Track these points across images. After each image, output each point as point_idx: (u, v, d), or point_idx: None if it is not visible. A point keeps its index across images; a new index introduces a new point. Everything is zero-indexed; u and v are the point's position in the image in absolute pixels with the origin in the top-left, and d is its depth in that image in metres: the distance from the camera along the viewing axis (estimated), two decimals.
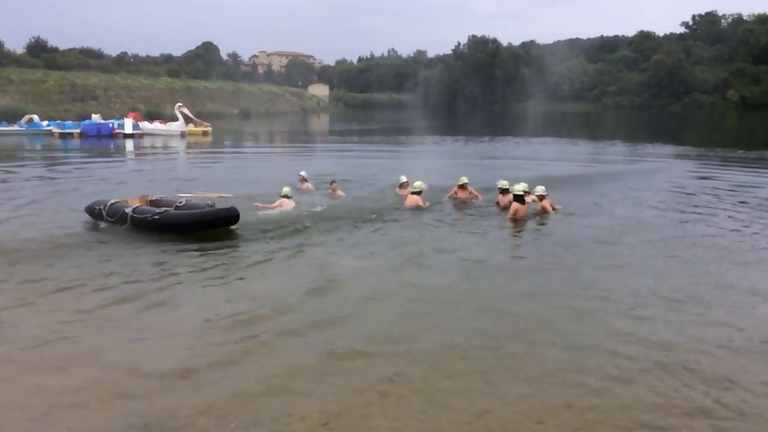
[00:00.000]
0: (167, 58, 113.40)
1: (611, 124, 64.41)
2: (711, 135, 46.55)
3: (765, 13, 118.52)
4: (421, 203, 13.03)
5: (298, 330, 6.46)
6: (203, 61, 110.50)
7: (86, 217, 11.80)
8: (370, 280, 8.30)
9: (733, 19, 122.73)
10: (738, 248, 10.01)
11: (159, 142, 34.31)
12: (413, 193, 13.15)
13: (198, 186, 16.17)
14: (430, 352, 5.94)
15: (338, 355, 5.87)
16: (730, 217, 12.62)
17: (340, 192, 14.68)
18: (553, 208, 12.66)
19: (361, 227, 11.52)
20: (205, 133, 40.13)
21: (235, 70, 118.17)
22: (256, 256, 9.47)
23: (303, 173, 15.79)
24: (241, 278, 8.45)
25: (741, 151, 29.01)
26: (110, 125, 38.24)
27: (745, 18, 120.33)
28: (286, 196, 12.95)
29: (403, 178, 14.51)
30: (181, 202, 11.53)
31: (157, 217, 10.63)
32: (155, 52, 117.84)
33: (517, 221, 11.86)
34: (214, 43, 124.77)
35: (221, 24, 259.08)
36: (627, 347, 6.04)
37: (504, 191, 13.15)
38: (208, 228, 10.78)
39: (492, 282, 8.32)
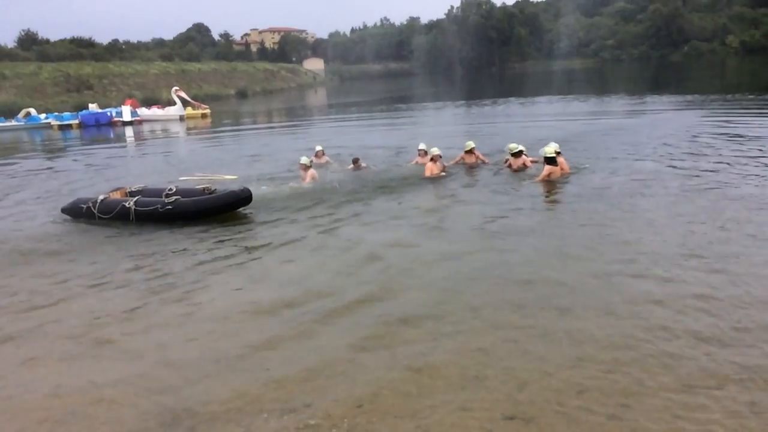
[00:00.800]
0: (159, 43, 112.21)
1: (612, 78, 63.57)
2: (713, 81, 45.97)
3: None
4: (438, 171, 12.88)
5: (327, 313, 6.32)
6: (195, 43, 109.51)
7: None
8: (399, 256, 8.12)
9: None
10: (759, 193, 9.82)
11: (159, 128, 34.06)
12: (432, 160, 12.97)
13: (202, 168, 16.00)
14: (461, 327, 5.80)
15: (368, 336, 5.74)
16: (744, 163, 12.39)
17: (363, 164, 14.47)
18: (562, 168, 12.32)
19: (386, 199, 11.40)
20: (204, 116, 39.80)
21: (228, 50, 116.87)
22: (282, 236, 9.34)
23: (319, 147, 15.43)
24: (268, 260, 8.33)
25: (746, 95, 28.65)
26: (108, 114, 37.92)
27: None
28: (307, 167, 12.95)
29: (422, 146, 14.26)
30: (171, 189, 11.01)
31: (170, 207, 10.34)
32: (147, 38, 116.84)
33: (550, 182, 11.62)
34: (205, 24, 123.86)
35: (211, 4, 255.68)
36: (661, 310, 5.88)
37: (516, 154, 12.93)
38: (224, 212, 10.63)
39: (520, 248, 8.14)
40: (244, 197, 10.72)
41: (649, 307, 5.93)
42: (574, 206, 10.01)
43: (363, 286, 7.04)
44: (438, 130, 23.45)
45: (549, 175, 11.68)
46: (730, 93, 30.94)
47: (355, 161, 14.48)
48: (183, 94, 40.00)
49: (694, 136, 16.68)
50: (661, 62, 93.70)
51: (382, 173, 13.91)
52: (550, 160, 11.71)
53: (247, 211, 10.88)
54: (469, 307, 6.24)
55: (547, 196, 11.04)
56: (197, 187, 11.28)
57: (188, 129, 32.75)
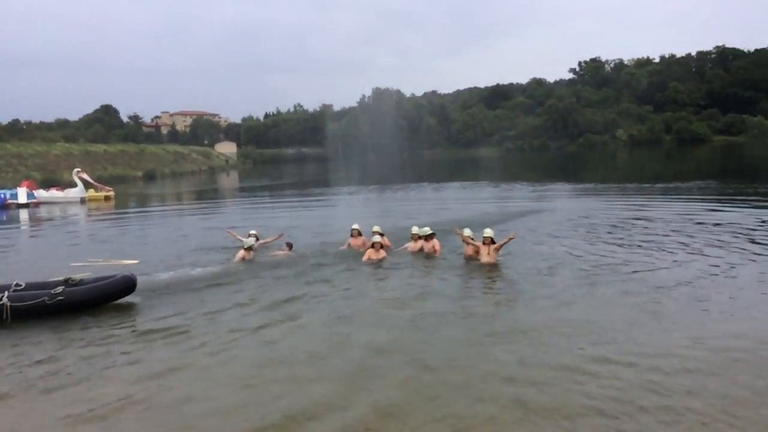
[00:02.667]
0: (63, 123, 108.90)
1: (515, 167, 66.88)
2: (606, 172, 49.22)
3: (643, 58, 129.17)
4: (377, 257, 12.79)
5: (219, 410, 5.83)
6: (103, 124, 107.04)
7: None
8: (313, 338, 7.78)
9: (615, 64, 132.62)
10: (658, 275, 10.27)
11: (57, 210, 32.26)
12: (372, 246, 13.03)
13: (100, 254, 15.08)
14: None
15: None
16: (638, 245, 13.07)
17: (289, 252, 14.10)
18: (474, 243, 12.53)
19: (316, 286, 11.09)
20: (107, 198, 38.23)
21: (136, 131, 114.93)
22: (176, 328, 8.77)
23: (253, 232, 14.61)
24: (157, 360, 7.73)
25: (637, 184, 30.82)
26: (2, 195, 35.72)
27: (626, 63, 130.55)
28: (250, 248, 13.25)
29: (356, 226, 14.07)
30: (20, 285, 9.60)
31: (61, 297, 9.33)
32: (50, 118, 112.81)
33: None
34: (114, 105, 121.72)
35: (120, 86, 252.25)
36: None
37: (418, 237, 13.26)
38: (109, 301, 9.87)
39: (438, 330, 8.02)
40: (127, 285, 9.95)
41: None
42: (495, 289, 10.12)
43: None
44: (355, 211, 23.55)
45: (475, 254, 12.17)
46: (622, 182, 33.28)
47: (290, 246, 14.13)
48: (85, 176, 38.42)
49: (587, 219, 17.62)
50: (558, 153, 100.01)
51: (315, 256, 13.62)
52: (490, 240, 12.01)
53: (135, 299, 10.21)
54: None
55: (460, 278, 11.13)
56: (53, 279, 10.11)
57: (89, 212, 31.26)
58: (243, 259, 13.15)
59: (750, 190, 25.97)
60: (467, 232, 12.54)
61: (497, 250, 11.85)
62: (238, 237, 14.51)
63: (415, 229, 13.56)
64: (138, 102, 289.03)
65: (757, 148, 74.72)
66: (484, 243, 11.90)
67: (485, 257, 11.81)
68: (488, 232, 12.00)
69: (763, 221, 16.35)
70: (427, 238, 13.06)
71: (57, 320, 9.18)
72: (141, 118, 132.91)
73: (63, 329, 8.82)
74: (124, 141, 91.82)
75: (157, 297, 10.48)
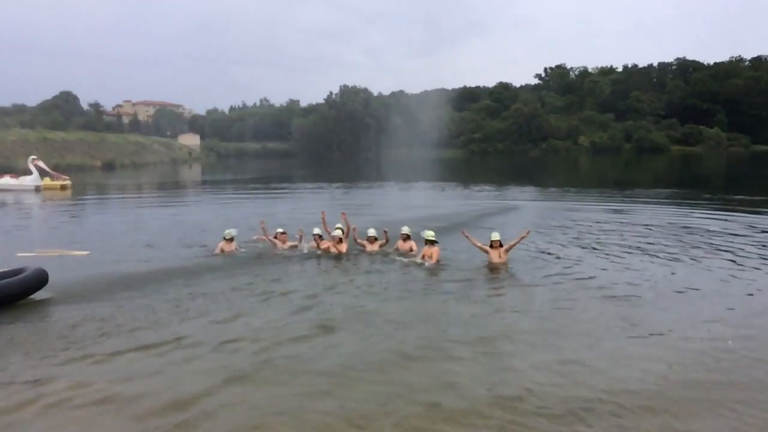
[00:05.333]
0: (20, 109, 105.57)
1: (480, 169, 67.54)
2: (568, 177, 50.01)
3: (606, 66, 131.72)
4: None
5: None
6: (61, 111, 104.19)
7: None
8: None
9: (579, 71, 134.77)
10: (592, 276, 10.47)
11: (10, 198, 31.31)
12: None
13: (50, 244, 14.65)
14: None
15: None
16: (594, 248, 13.29)
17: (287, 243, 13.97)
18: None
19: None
20: (63, 187, 37.25)
21: (97, 120, 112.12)
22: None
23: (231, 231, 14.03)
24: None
25: (598, 189, 31.44)
26: None
27: (590, 70, 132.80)
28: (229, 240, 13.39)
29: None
30: None
31: None
32: (5, 103, 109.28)
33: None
34: (74, 92, 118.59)
35: (80, 73, 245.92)
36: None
37: (407, 237, 13.35)
38: (17, 300, 9.39)
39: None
40: (39, 282, 9.53)
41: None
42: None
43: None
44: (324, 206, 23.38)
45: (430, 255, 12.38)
46: (584, 187, 33.91)
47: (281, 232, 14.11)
48: (41, 164, 37.37)
49: (548, 222, 17.90)
50: (522, 156, 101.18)
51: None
52: (430, 242, 12.29)
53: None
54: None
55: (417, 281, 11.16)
56: None
57: (44, 200, 30.43)
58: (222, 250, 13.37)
59: (705, 196, 26.72)
60: (428, 234, 12.65)
61: (507, 251, 12.02)
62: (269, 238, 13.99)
63: (405, 229, 13.52)
64: (99, 90, 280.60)
65: (713, 159, 76.88)
66: (492, 246, 12.03)
67: (496, 259, 11.94)
68: (496, 235, 12.13)
69: (706, 225, 16.84)
70: (429, 243, 12.58)
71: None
72: (102, 107, 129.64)
73: None
74: (84, 129, 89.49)
75: (103, 291, 10.24)
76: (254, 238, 14.70)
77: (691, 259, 12.82)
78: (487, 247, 12.14)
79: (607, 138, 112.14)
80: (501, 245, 11.99)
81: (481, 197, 29.42)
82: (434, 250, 12.41)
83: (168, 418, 5.63)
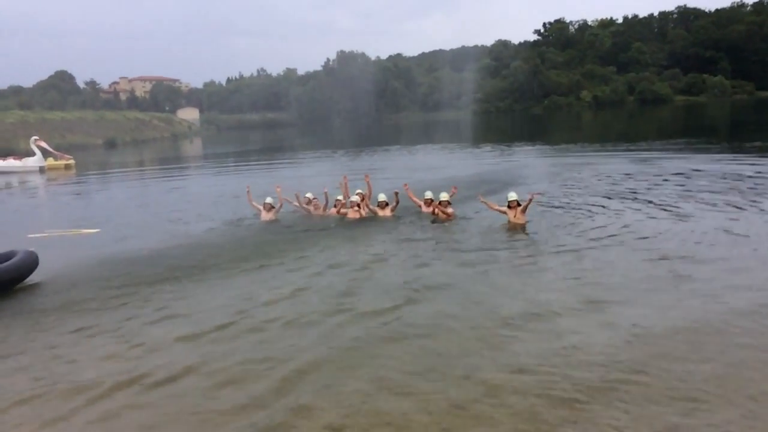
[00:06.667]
0: (17, 90, 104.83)
1: (482, 129, 66.97)
2: (571, 133, 49.58)
3: (606, 19, 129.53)
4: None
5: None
6: (58, 90, 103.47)
7: None
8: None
9: (579, 25, 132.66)
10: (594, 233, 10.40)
11: (15, 180, 31.28)
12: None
13: (60, 223, 14.67)
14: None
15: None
16: (599, 204, 13.23)
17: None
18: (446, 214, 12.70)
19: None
20: (67, 167, 37.17)
21: (94, 98, 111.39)
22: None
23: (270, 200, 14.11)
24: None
25: (596, 145, 31.35)
26: None
27: (590, 24, 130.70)
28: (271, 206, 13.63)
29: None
30: None
31: None
32: (2, 85, 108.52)
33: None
34: (69, 71, 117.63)
35: (75, 51, 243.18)
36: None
37: (431, 201, 13.32)
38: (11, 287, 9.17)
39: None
40: (29, 266, 9.28)
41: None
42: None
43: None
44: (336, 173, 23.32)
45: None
46: (587, 142, 33.78)
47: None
48: (43, 144, 37.20)
49: (562, 178, 17.76)
50: (524, 115, 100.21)
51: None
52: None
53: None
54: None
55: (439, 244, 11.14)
56: None
57: (49, 181, 30.39)
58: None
59: (706, 145, 26.51)
60: (443, 195, 12.78)
61: (523, 211, 11.84)
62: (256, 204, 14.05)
63: (428, 194, 13.50)
64: (94, 67, 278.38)
65: (717, 108, 76.04)
66: (509, 206, 11.91)
67: (513, 219, 11.85)
68: (512, 195, 11.98)
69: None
70: (442, 203, 12.84)
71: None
72: (98, 84, 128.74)
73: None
74: (82, 108, 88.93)
75: (121, 267, 10.26)
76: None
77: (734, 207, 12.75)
78: (505, 208, 12.04)
79: (610, 91, 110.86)
80: (519, 204, 11.86)
81: (492, 157, 29.30)
82: (449, 211, 12.62)
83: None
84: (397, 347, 6.28)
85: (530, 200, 11.78)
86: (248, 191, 14.29)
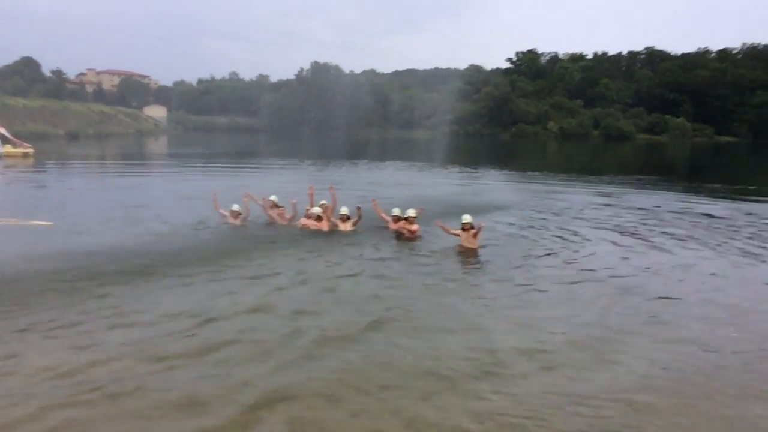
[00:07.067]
0: None
1: (451, 151, 67.47)
2: (535, 162, 50.37)
3: (577, 53, 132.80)
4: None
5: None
6: (22, 77, 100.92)
7: None
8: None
9: (550, 57, 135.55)
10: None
11: None
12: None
13: (12, 213, 14.17)
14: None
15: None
16: (563, 234, 13.41)
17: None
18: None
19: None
20: (25, 155, 36.15)
21: (59, 88, 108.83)
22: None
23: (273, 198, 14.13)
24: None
25: (567, 175, 31.79)
26: None
27: (560, 56, 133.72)
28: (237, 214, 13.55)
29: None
30: None
31: None
32: None
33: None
34: (35, 58, 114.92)
35: (43, 39, 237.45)
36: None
37: (397, 219, 13.25)
38: None
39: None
40: None
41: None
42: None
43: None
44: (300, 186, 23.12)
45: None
46: (552, 171, 34.37)
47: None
48: (2, 130, 36.20)
49: (513, 205, 18.03)
50: (492, 140, 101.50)
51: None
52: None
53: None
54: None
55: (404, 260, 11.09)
56: None
57: (5, 168, 29.47)
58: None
59: (666, 183, 27.23)
60: (410, 211, 12.93)
61: (475, 236, 11.73)
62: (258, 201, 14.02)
63: (396, 211, 13.42)
64: (62, 57, 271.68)
65: (678, 149, 78.33)
66: (463, 228, 11.83)
67: (464, 242, 11.78)
68: (467, 218, 11.89)
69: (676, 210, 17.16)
70: (409, 220, 12.84)
71: None
72: (65, 74, 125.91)
73: None
74: (46, 97, 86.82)
75: (72, 262, 9.96)
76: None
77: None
78: (459, 231, 11.95)
79: (576, 124, 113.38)
80: (472, 227, 11.87)
81: (461, 178, 29.58)
82: (413, 228, 12.64)
83: None
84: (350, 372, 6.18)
85: (479, 228, 11.73)
86: (215, 198, 14.12)
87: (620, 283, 9.54)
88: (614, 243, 12.90)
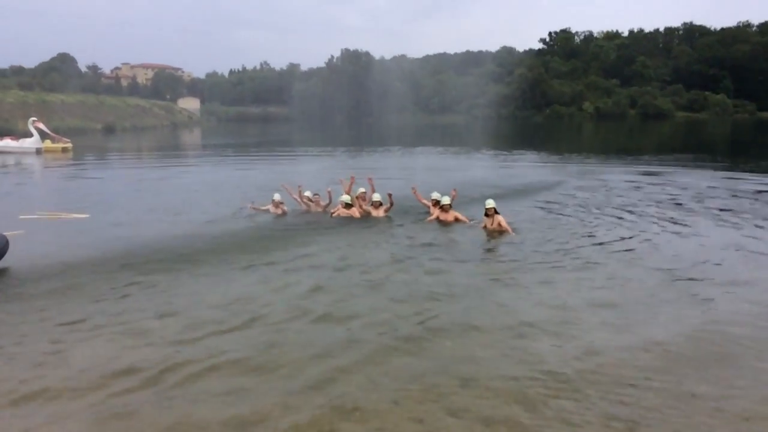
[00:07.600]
0: (18, 71, 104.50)
1: (485, 135, 66.73)
2: (571, 144, 49.40)
3: (612, 31, 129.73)
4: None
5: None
6: (59, 73, 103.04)
7: None
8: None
9: (584, 36, 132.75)
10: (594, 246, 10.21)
11: (11, 160, 30.97)
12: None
13: (53, 206, 14.40)
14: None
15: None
16: (609, 213, 13.05)
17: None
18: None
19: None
20: (64, 150, 36.88)
21: (96, 82, 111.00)
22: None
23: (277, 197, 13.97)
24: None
25: (595, 157, 31.15)
26: None
27: (595, 35, 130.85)
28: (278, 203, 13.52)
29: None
30: None
31: None
32: (4, 64, 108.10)
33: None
34: (71, 54, 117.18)
35: (78, 35, 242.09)
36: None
37: (436, 203, 13.03)
38: None
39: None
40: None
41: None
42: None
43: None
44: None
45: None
46: (585, 153, 33.72)
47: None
48: (41, 126, 36.86)
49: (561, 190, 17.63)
50: (526, 122, 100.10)
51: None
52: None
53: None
54: None
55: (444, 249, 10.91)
56: None
57: (45, 163, 30.09)
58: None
59: (708, 162, 26.39)
60: (445, 199, 12.70)
61: (498, 222, 11.55)
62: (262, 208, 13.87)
63: (435, 195, 13.23)
64: (97, 52, 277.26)
65: (718, 126, 76.10)
66: (486, 214, 11.70)
67: (491, 227, 11.61)
68: (490, 202, 11.75)
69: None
70: (443, 208, 12.62)
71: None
72: (100, 69, 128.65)
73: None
74: (83, 92, 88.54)
75: (110, 254, 10.01)
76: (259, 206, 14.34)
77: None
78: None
79: (612, 104, 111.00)
80: (496, 212, 11.62)
81: (497, 161, 29.17)
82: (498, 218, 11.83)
83: None
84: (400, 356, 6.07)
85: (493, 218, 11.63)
86: (251, 206, 13.98)
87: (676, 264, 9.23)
88: (660, 220, 12.52)
